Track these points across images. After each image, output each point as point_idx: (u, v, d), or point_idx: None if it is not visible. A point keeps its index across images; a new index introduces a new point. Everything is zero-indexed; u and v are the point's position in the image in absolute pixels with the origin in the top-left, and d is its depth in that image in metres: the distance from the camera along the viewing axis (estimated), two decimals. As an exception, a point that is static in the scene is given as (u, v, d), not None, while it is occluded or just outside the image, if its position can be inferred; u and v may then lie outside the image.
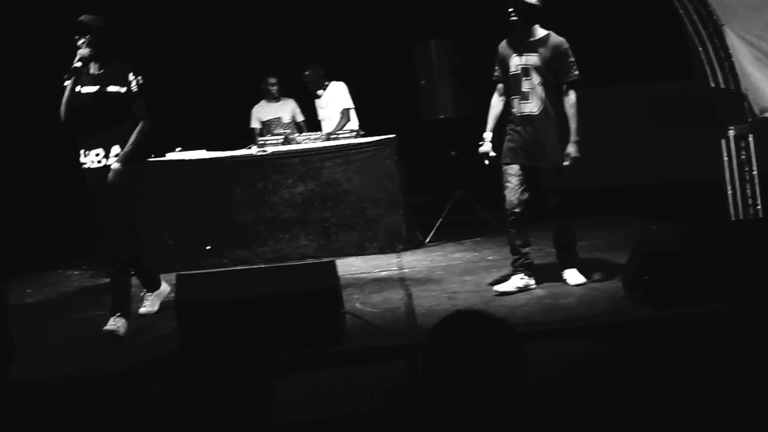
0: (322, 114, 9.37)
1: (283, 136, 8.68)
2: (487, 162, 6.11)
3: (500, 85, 6.14)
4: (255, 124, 9.52)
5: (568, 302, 5.62)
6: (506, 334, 2.02)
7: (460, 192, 8.94)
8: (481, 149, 6.12)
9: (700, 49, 7.22)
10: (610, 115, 9.68)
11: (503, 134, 6.15)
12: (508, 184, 6.00)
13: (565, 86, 5.89)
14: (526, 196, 6.00)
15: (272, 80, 9.44)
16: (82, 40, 5.83)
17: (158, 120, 9.23)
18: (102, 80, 5.91)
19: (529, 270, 6.10)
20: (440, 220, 8.86)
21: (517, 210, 5.99)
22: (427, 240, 8.71)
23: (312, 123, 9.53)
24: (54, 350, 5.68)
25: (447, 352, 2.01)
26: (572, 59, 5.90)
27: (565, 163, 5.84)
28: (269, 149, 8.44)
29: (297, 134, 8.87)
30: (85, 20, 5.89)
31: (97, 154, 5.90)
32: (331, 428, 3.34)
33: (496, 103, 6.16)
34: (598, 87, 8.68)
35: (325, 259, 6.48)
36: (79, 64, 5.78)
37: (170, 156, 8.59)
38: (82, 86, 5.83)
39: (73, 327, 6.37)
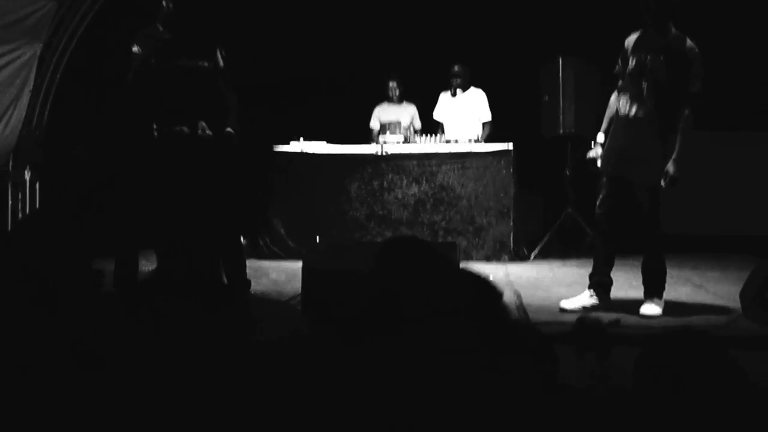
0: (451, 115, 9.26)
1: (403, 136, 8.79)
2: (594, 168, 5.69)
3: (620, 82, 5.63)
4: (374, 124, 9.59)
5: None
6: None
7: (570, 210, 8.90)
8: (590, 154, 5.70)
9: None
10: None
11: None
12: (599, 194, 5.57)
13: (683, 99, 5.34)
14: (613, 208, 5.49)
15: (393, 83, 9.46)
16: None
17: (282, 109, 9.83)
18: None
19: (601, 289, 5.63)
20: (547, 236, 8.85)
21: (602, 223, 5.55)
22: (533, 255, 8.71)
23: (430, 126, 9.46)
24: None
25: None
26: (698, 71, 5.34)
27: (662, 182, 5.33)
28: (389, 148, 8.53)
29: (417, 136, 8.94)
30: None
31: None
32: None
33: (614, 102, 5.64)
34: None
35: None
36: None
37: (293, 145, 8.78)
38: None
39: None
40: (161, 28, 5.63)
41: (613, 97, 5.64)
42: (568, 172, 8.97)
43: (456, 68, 9.15)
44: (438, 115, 9.39)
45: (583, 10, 9.45)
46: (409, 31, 9.85)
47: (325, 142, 8.76)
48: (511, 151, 8.44)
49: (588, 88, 8.85)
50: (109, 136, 6.38)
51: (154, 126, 5.60)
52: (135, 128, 5.58)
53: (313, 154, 8.73)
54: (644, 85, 5.39)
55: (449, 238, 8.36)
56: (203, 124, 5.58)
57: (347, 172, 8.65)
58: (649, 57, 5.38)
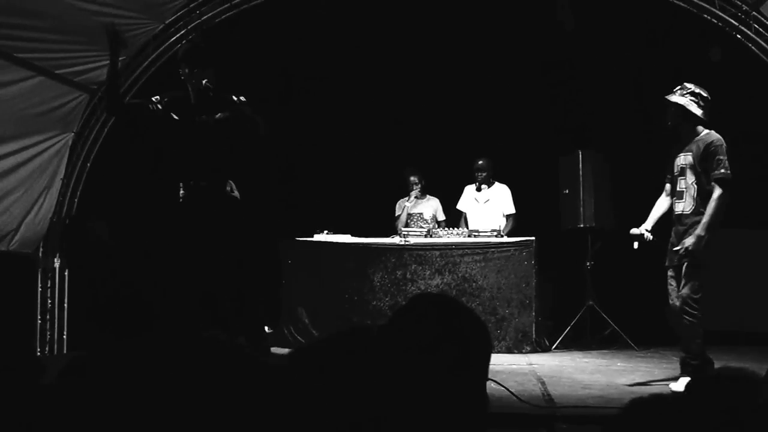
0: (475, 209, 9.36)
1: (426, 229, 8.86)
2: (636, 245, 6.11)
3: (668, 186, 6.16)
4: (399, 217, 9.69)
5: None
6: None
7: (591, 303, 8.91)
8: (633, 230, 6.17)
9: None
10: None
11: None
12: (669, 288, 5.99)
13: (713, 183, 5.76)
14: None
15: (415, 177, 9.56)
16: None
17: (306, 202, 9.97)
18: None
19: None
20: (569, 328, 8.88)
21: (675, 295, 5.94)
22: (554, 346, 8.73)
23: (453, 220, 9.59)
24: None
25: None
26: (722, 157, 5.75)
27: (677, 248, 5.81)
28: (412, 240, 8.62)
29: (439, 229, 9.02)
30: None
31: None
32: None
33: (660, 202, 6.19)
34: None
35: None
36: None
37: (317, 237, 8.88)
38: None
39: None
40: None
41: (662, 196, 6.18)
42: (588, 265, 9.00)
43: (481, 162, 9.28)
44: (462, 206, 9.47)
45: (600, 104, 9.65)
46: (431, 125, 10.03)
47: (349, 236, 8.85)
48: (533, 242, 8.44)
49: (604, 181, 8.99)
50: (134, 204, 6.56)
51: (181, 183, 5.74)
52: (161, 186, 5.77)
53: (338, 244, 8.80)
54: (682, 183, 5.90)
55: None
56: (232, 183, 5.76)
57: (371, 262, 8.69)
58: (682, 157, 5.91)
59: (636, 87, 9.58)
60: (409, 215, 9.50)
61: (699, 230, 5.68)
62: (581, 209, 8.91)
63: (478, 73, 9.92)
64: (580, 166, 8.98)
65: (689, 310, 5.75)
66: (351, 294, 8.68)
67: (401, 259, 8.64)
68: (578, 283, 9.09)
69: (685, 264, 5.78)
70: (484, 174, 9.27)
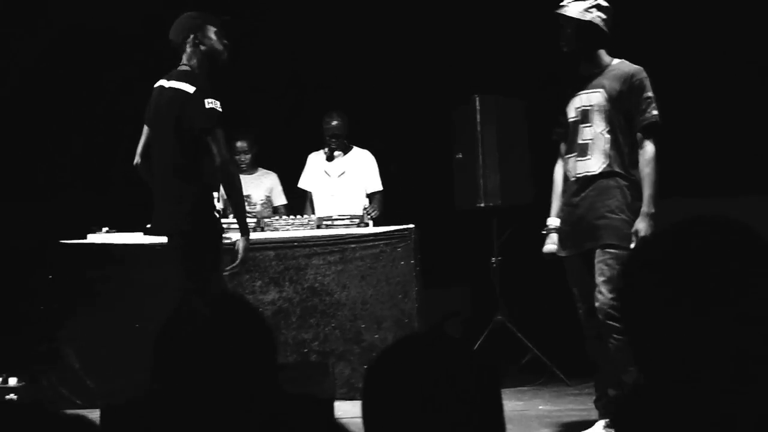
0: (325, 186, 7.76)
1: (255, 219, 7.12)
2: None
3: (563, 146, 5.31)
4: (217, 203, 7.65)
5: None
6: None
7: (501, 317, 7.30)
8: (545, 248, 5.26)
9: None
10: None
11: None
12: (573, 288, 5.19)
13: (639, 134, 5.00)
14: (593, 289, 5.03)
15: (242, 144, 7.84)
16: None
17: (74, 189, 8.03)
18: None
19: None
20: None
21: (584, 305, 5.08)
22: (450, 377, 6.66)
23: (295, 202, 7.95)
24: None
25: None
26: (650, 94, 5.01)
27: (632, 245, 4.95)
28: (233, 236, 6.50)
29: (275, 217, 7.35)
30: None
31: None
32: None
33: (560, 174, 5.29)
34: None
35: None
36: None
37: (93, 239, 6.96)
38: None
39: None
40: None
41: (558, 167, 5.33)
42: (494, 262, 7.45)
43: (333, 121, 7.55)
44: (306, 182, 7.81)
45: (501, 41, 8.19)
46: (262, 69, 8.47)
47: (141, 234, 6.96)
48: (412, 232, 6.81)
49: (518, 138, 7.58)
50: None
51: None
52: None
53: (125, 246, 6.92)
54: (588, 132, 5.11)
55: (330, 364, 6.69)
56: None
57: (173, 272, 6.44)
58: (584, 97, 5.17)
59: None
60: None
61: (646, 207, 4.95)
62: (481, 181, 7.37)
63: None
64: (478, 119, 7.34)
65: (615, 324, 4.79)
66: (146, 320, 6.49)
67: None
68: (482, 289, 7.76)
69: (607, 249, 4.97)
70: (336, 140, 7.61)
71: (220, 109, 4.95)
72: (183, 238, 5.14)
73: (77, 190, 8.18)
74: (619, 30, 5.11)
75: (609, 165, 5.03)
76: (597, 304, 4.99)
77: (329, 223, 7.00)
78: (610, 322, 4.89)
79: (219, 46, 5.12)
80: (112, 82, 8.16)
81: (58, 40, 8.00)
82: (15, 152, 8.09)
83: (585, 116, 5.12)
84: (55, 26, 7.92)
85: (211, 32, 5.10)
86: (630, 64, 5.10)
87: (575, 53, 5.15)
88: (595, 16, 5.02)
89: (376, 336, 6.69)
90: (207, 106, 4.90)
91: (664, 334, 1.64)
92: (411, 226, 6.76)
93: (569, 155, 5.19)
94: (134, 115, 5.89)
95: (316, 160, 7.70)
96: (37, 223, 7.60)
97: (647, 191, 4.96)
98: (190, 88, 4.96)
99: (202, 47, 4.99)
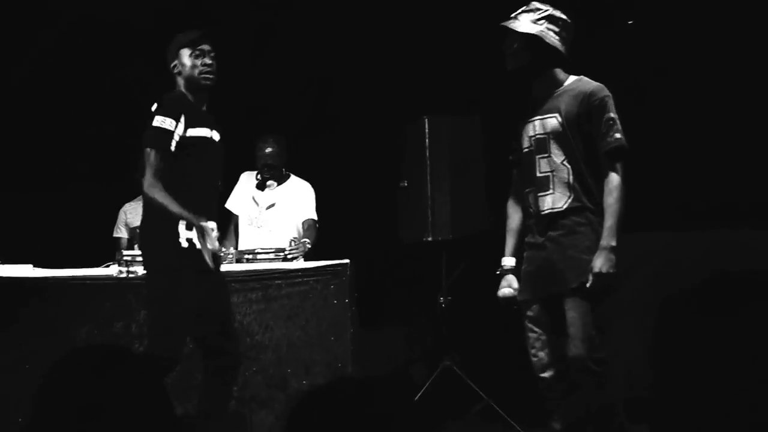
0: (251, 218, 6.97)
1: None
2: (516, 307, 4.90)
3: (516, 173, 4.84)
4: (121, 232, 7.14)
5: None
6: None
7: (448, 362, 6.73)
8: (501, 291, 4.81)
9: None
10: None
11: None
12: (529, 335, 4.71)
13: (602, 161, 4.53)
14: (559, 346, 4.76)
15: None
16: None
17: None
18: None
19: None
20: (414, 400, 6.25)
21: (548, 373, 4.69)
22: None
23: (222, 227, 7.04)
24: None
25: None
26: (612, 115, 4.52)
27: (588, 283, 4.48)
28: (139, 269, 6.04)
29: None
30: None
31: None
32: None
33: (514, 207, 4.85)
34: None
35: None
36: None
37: None
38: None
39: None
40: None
41: (511, 198, 4.92)
42: (442, 302, 6.85)
43: (267, 148, 6.78)
44: (233, 206, 6.99)
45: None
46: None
47: (31, 266, 6.26)
48: (347, 267, 6.16)
49: (472, 162, 6.90)
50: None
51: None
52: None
53: (11, 281, 6.12)
54: (545, 164, 4.66)
55: (246, 412, 6.10)
56: None
57: (72, 310, 6.07)
58: (539, 123, 4.69)
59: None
60: (138, 228, 6.56)
61: (606, 240, 4.47)
62: (429, 212, 6.70)
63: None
64: (427, 141, 6.69)
65: (593, 366, 4.49)
66: (32, 368, 5.82)
67: (124, 303, 6.08)
68: (427, 331, 7.37)
69: (578, 295, 4.52)
70: (270, 168, 6.85)
71: (170, 128, 4.72)
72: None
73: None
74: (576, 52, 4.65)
75: (576, 199, 4.56)
76: (570, 355, 4.58)
77: (250, 257, 6.40)
78: (585, 375, 4.54)
79: (193, 71, 4.93)
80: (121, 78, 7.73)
81: (67, 33, 7.61)
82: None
83: (541, 146, 4.63)
84: (66, 18, 7.58)
85: (185, 57, 4.92)
86: (589, 81, 4.61)
87: (523, 72, 4.64)
88: (545, 28, 4.55)
89: (304, 382, 6.04)
90: (153, 123, 4.75)
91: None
92: (346, 261, 6.11)
93: (528, 189, 4.73)
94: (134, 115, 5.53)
95: (247, 182, 6.95)
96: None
97: (608, 222, 4.48)
98: (154, 106, 4.85)
99: (182, 74, 4.85)
